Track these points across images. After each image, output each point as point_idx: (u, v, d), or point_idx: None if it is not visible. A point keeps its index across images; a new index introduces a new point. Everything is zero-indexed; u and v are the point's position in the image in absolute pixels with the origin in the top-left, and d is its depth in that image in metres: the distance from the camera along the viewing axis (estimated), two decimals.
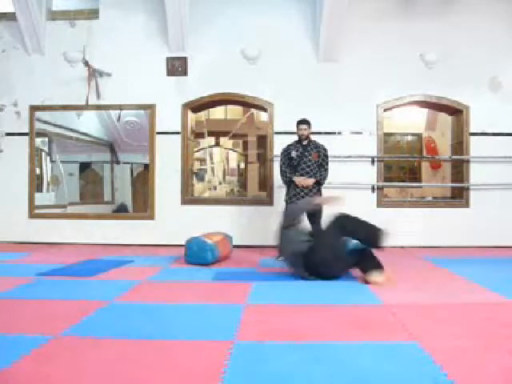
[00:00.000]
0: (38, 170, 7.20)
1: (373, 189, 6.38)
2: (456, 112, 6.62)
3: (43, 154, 7.64)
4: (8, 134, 6.66)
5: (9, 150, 6.66)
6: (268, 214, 6.38)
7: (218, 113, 9.39)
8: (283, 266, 4.37)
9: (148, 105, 6.56)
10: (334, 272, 3.99)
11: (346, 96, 6.41)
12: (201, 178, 9.57)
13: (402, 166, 9.39)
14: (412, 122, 9.04)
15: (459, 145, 6.57)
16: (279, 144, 5.90)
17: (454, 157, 6.72)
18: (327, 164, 5.26)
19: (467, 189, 6.41)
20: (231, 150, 10.07)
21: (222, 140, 9.84)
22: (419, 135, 9.34)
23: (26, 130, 6.65)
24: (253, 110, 8.68)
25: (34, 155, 6.79)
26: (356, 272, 4.39)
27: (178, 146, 6.53)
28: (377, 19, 6.43)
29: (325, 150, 5.28)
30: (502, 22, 6.41)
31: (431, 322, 2.75)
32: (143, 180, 7.61)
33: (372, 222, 4.13)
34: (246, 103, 6.91)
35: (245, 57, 6.46)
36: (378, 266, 3.88)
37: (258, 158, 9.60)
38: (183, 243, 5.00)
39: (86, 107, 6.60)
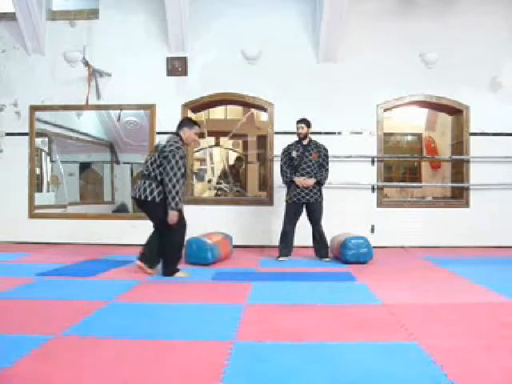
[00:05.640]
0: (38, 170, 7.20)
1: (373, 189, 6.38)
2: (456, 112, 6.62)
3: (43, 153, 7.65)
4: (8, 134, 6.66)
5: (9, 150, 6.66)
6: (268, 213, 6.38)
7: (217, 113, 9.39)
8: (283, 265, 4.37)
9: (148, 105, 6.56)
10: None
11: (346, 96, 6.41)
12: (201, 178, 9.57)
13: (402, 166, 9.39)
14: (412, 122, 9.04)
15: (459, 145, 6.57)
16: (279, 144, 5.90)
17: (454, 157, 6.72)
18: (328, 164, 5.26)
19: (467, 189, 6.41)
20: (231, 149, 10.07)
21: (222, 140, 9.84)
22: (419, 135, 9.34)
23: (26, 130, 6.65)
24: (253, 110, 8.68)
25: (34, 155, 6.79)
26: (356, 272, 4.40)
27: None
28: (377, 19, 6.42)
29: (325, 150, 5.28)
30: (502, 22, 6.41)
31: (431, 322, 2.75)
32: None
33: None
34: (246, 103, 6.91)
35: (245, 57, 6.46)
36: None
37: (257, 158, 9.59)
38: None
39: (86, 107, 6.60)
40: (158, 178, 4.02)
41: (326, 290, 3.65)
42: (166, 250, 4.19)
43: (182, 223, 4.16)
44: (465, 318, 2.86)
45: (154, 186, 4.02)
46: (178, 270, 4.22)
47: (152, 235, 4.32)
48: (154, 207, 4.07)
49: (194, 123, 4.30)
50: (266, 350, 2.27)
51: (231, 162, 9.74)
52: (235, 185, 9.11)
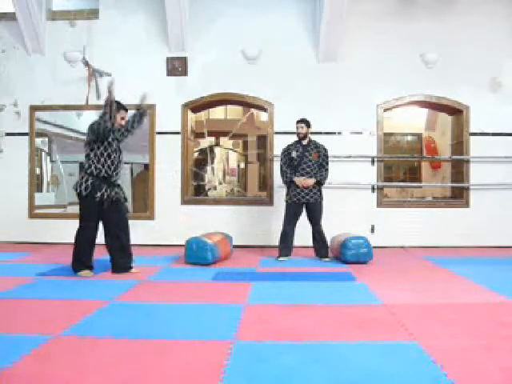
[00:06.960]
0: (38, 170, 7.19)
1: (373, 189, 6.38)
2: (456, 112, 6.62)
3: (43, 153, 7.64)
4: (8, 134, 6.66)
5: (9, 150, 6.66)
6: (268, 213, 6.38)
7: (217, 113, 9.38)
8: (283, 265, 4.37)
9: (148, 105, 6.53)
10: None
11: (346, 96, 6.41)
12: (201, 178, 9.55)
13: (402, 166, 9.39)
14: (412, 122, 9.03)
15: (459, 145, 6.57)
16: (279, 144, 5.90)
17: (454, 157, 6.72)
18: (327, 164, 5.26)
19: (467, 189, 6.41)
20: (231, 149, 10.07)
21: (222, 140, 9.83)
22: (419, 135, 9.34)
23: (26, 130, 6.65)
24: (253, 110, 8.67)
25: (34, 155, 6.79)
26: (356, 272, 4.40)
27: (178, 146, 6.53)
28: (377, 19, 6.42)
29: (325, 150, 5.28)
30: (502, 22, 6.41)
31: (431, 322, 2.75)
32: (143, 180, 7.61)
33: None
34: (245, 103, 6.91)
35: (245, 57, 6.46)
36: None
37: (257, 157, 9.59)
38: (183, 243, 5.01)
39: (86, 107, 6.60)
40: (86, 166, 4.21)
41: (326, 290, 3.65)
42: None
43: (83, 220, 4.34)
44: (465, 318, 2.86)
45: (83, 179, 4.25)
46: (80, 268, 4.22)
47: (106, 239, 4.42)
48: (80, 200, 4.31)
49: (120, 107, 4.39)
50: (265, 350, 2.27)
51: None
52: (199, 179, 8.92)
